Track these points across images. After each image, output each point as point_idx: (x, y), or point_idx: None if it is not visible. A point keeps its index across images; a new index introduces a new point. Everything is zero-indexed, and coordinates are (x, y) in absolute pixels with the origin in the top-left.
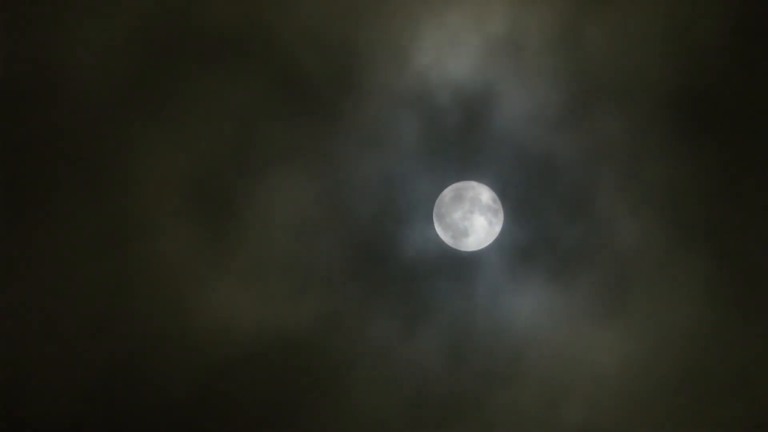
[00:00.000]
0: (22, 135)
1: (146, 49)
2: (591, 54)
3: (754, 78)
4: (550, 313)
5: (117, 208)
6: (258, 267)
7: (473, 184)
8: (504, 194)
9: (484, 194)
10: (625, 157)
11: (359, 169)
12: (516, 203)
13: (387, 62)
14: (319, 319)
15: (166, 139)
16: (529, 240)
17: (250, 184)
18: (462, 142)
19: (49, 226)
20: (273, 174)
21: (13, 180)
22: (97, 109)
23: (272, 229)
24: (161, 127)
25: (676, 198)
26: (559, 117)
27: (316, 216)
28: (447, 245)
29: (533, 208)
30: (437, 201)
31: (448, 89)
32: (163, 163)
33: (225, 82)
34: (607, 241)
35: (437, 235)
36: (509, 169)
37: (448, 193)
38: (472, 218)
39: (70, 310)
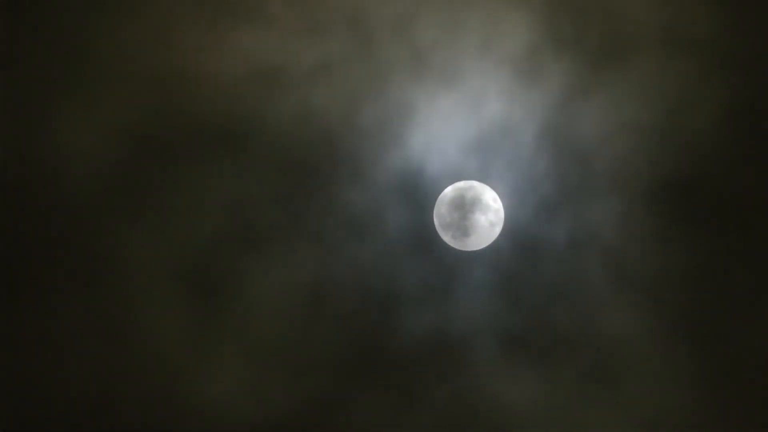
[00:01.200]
0: (10, 227)
1: (137, 139)
2: (583, 140)
3: (743, 170)
4: (533, 400)
5: (107, 296)
6: (252, 352)
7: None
8: (492, 276)
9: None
10: (614, 243)
11: (352, 252)
12: (503, 286)
13: (380, 147)
14: (314, 405)
15: (158, 227)
16: (514, 324)
17: (242, 270)
18: (454, 226)
19: (38, 316)
20: (265, 258)
21: (4, 270)
22: (89, 198)
23: (265, 314)
24: (153, 214)
25: (662, 286)
26: (549, 201)
27: (310, 299)
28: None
29: (518, 292)
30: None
31: (440, 175)
32: (154, 251)
33: (217, 168)
34: (593, 327)
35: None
36: (498, 252)
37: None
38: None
39: (59, 401)
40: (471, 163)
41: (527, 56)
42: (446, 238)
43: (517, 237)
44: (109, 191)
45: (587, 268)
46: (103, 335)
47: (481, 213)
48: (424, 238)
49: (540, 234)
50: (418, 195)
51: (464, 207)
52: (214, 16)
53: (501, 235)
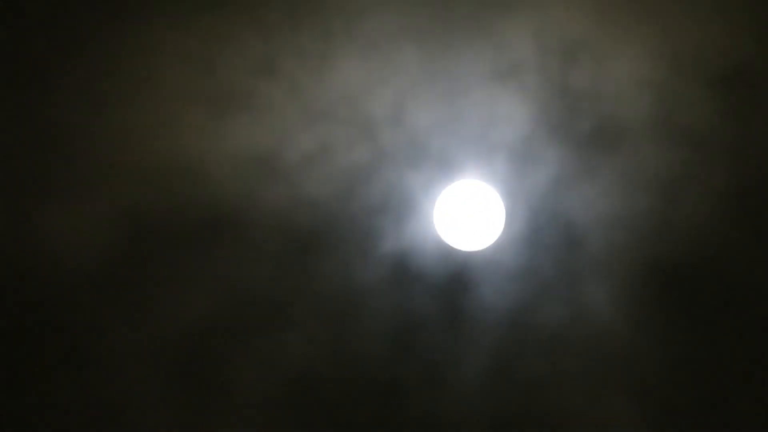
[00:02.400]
0: None
1: (129, 226)
2: (576, 225)
3: (739, 255)
4: None
5: (93, 386)
6: None
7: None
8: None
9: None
10: (606, 329)
11: (347, 340)
12: (491, 372)
13: (376, 232)
14: None
15: (148, 315)
16: (507, 404)
17: (232, 360)
18: (449, 308)
19: (27, 406)
20: (257, 349)
21: None
22: (79, 286)
23: (258, 403)
24: (143, 303)
25: (654, 374)
26: (542, 286)
27: (301, 390)
28: None
29: (508, 376)
30: None
31: (434, 258)
32: (143, 339)
33: (210, 255)
34: (584, 414)
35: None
36: (489, 339)
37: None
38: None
39: None
40: (467, 245)
41: (522, 143)
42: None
43: (507, 324)
44: (100, 279)
45: (577, 353)
46: (87, 425)
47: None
48: (417, 321)
49: (529, 320)
50: (415, 279)
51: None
52: (208, 102)
53: (495, 323)
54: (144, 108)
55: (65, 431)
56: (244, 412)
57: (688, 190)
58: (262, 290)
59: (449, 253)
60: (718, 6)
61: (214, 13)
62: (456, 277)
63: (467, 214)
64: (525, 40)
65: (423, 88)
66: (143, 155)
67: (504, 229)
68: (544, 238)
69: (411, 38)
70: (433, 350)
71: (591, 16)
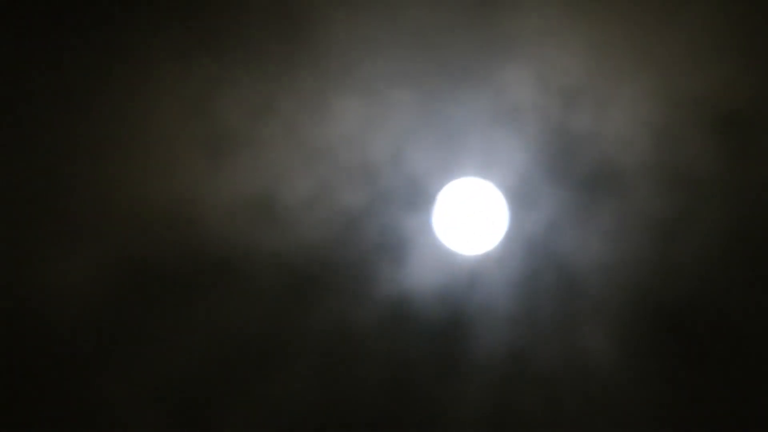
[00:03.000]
0: None
1: (125, 272)
2: (575, 267)
3: (739, 298)
4: None
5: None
6: None
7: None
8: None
9: None
10: (604, 372)
11: (348, 381)
12: (488, 414)
13: (374, 273)
14: None
15: (146, 362)
16: None
17: (231, 402)
18: (445, 351)
19: None
20: (256, 389)
21: None
22: (73, 334)
23: None
24: (140, 349)
25: (654, 418)
26: (540, 327)
27: (301, 430)
28: None
29: (504, 418)
30: None
31: (434, 299)
32: (141, 386)
33: (207, 299)
34: None
35: None
36: (485, 381)
37: None
38: None
39: None
40: (463, 286)
41: (521, 184)
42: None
43: (503, 366)
44: (95, 326)
45: (574, 395)
46: None
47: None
48: (414, 364)
49: (525, 363)
50: (412, 321)
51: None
52: (204, 145)
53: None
54: (139, 152)
55: None
56: None
57: (688, 233)
58: (259, 334)
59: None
60: (718, 50)
61: (210, 55)
62: (453, 325)
63: (465, 259)
64: (525, 84)
65: (421, 130)
66: (139, 200)
67: (500, 273)
68: (542, 280)
69: (409, 81)
70: (430, 392)
71: (591, 59)
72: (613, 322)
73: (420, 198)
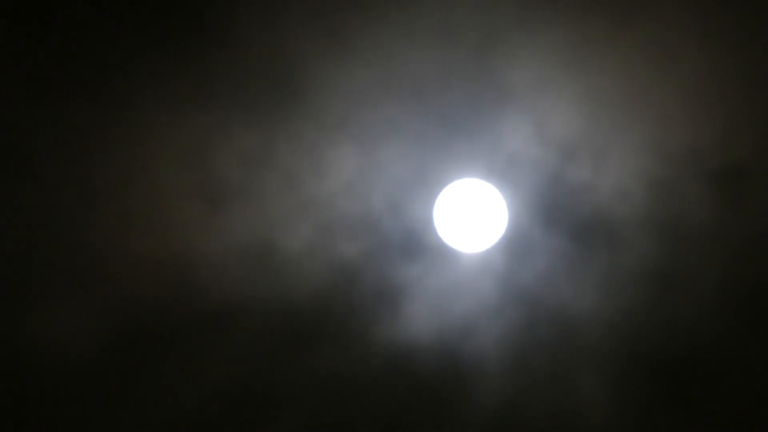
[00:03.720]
0: None
1: (120, 324)
2: (572, 316)
3: (738, 351)
4: None
5: None
6: None
7: None
8: None
9: None
10: (600, 422)
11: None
12: None
13: (372, 321)
14: None
15: (144, 410)
16: None
17: None
18: (442, 400)
19: None
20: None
21: None
22: (70, 383)
23: None
24: (138, 398)
25: None
26: (534, 375)
27: None
28: None
29: None
30: None
31: (425, 357)
32: None
33: (204, 351)
34: None
35: None
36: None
37: None
38: None
39: None
40: (460, 337)
41: (518, 234)
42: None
43: (497, 417)
44: (92, 375)
45: None
46: None
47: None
48: (412, 411)
49: (520, 414)
50: (410, 369)
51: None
52: (201, 194)
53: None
54: (135, 202)
55: None
56: None
57: (683, 284)
58: (255, 384)
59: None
60: (713, 103)
61: (206, 105)
62: (449, 374)
63: (463, 308)
64: (521, 135)
65: (420, 179)
66: (134, 251)
67: (496, 323)
68: (536, 329)
69: (408, 129)
70: None
71: (587, 110)
72: (610, 371)
73: (415, 247)
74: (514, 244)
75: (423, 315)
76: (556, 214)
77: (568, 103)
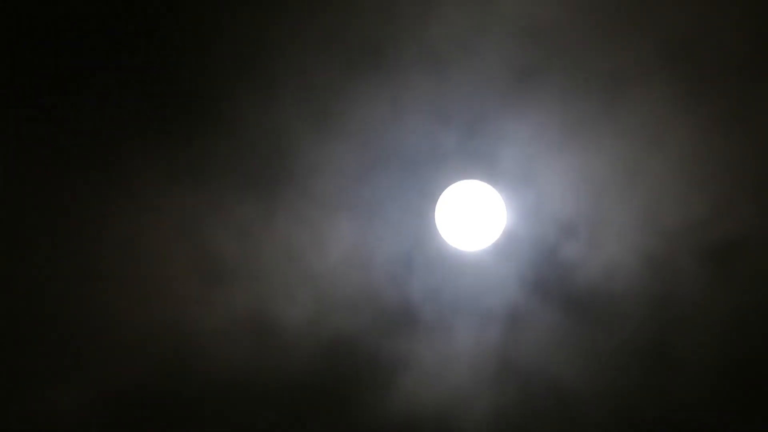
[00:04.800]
0: None
1: (119, 402)
2: (569, 390)
3: (731, 429)
4: None
5: None
6: None
7: None
8: None
9: None
10: None
11: None
12: None
13: (370, 392)
14: None
15: None
16: None
17: None
18: None
19: None
20: None
21: None
22: None
23: None
24: None
25: None
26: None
27: None
28: None
29: None
30: None
31: (430, 417)
32: None
33: (204, 427)
34: None
35: None
36: None
37: None
38: None
39: None
40: (456, 410)
41: (514, 310)
42: None
43: None
44: None
45: None
46: None
47: None
48: None
49: None
50: None
51: None
52: (198, 269)
53: None
54: (133, 278)
55: None
56: None
57: (678, 358)
58: None
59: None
60: (706, 179)
61: (203, 181)
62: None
63: (457, 376)
64: (516, 211)
65: (418, 254)
66: (133, 326)
67: (493, 398)
68: (533, 402)
69: (406, 206)
70: None
71: (581, 188)
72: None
73: (420, 321)
74: (510, 319)
75: (419, 387)
76: (550, 288)
77: (561, 180)
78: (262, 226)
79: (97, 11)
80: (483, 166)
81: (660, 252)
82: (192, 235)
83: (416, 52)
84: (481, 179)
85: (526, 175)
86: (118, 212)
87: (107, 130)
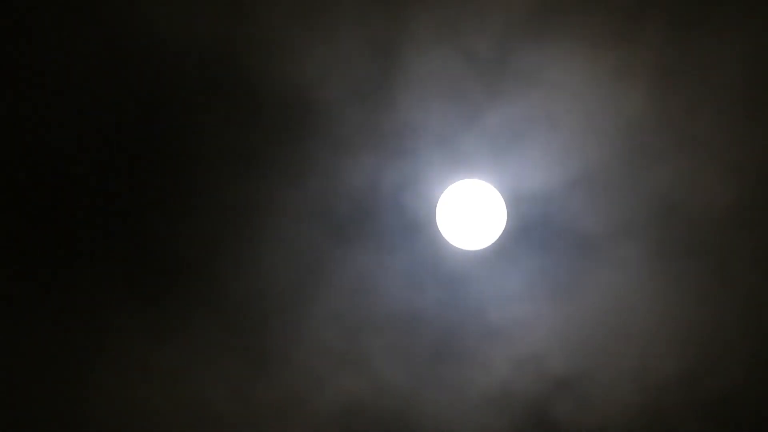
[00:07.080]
0: None
1: None
2: None
3: None
4: None
5: None
6: None
7: None
8: None
9: None
10: None
11: None
12: None
13: None
14: None
15: None
16: None
17: None
18: None
19: None
20: None
21: None
22: None
23: None
24: None
25: None
26: None
27: None
28: None
29: None
30: None
31: None
32: None
33: None
34: None
35: None
36: None
37: None
38: None
39: None
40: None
41: (511, 368)
42: None
43: None
44: None
45: None
46: None
47: None
48: None
49: None
50: None
51: None
52: (185, 424)
53: None
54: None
55: None
56: None
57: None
58: None
59: None
60: (699, 332)
61: (189, 333)
62: None
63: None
64: (502, 369)
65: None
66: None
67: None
68: None
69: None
70: None
71: (571, 342)
72: None
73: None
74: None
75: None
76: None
77: (548, 336)
78: (251, 383)
79: (86, 178)
80: (473, 329)
81: (651, 405)
82: (176, 387)
83: None
84: (472, 338)
85: (511, 332)
86: (104, 367)
87: (93, 289)
